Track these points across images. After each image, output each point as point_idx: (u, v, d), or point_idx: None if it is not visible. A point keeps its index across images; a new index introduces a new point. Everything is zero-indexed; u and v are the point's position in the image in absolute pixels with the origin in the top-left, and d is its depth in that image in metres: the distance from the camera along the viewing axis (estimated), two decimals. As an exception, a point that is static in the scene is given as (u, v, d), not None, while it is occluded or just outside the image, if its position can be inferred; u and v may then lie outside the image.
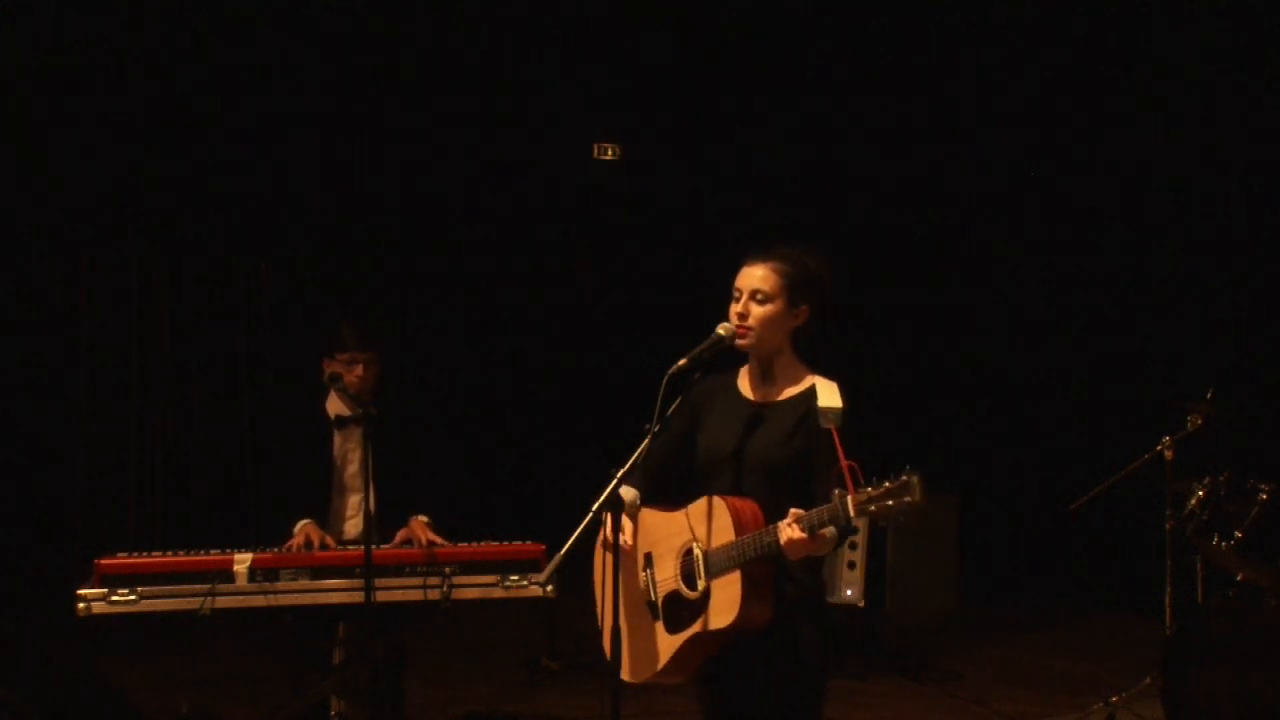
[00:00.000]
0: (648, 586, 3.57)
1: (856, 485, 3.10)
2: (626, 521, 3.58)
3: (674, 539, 3.52)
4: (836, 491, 3.11)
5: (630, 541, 3.57)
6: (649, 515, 3.64)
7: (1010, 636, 7.93)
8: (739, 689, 3.46)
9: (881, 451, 3.29)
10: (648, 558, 3.60)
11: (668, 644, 3.48)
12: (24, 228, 8.50)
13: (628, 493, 3.63)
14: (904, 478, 3.03)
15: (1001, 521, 8.92)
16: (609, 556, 3.54)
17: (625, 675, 3.60)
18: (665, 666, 3.49)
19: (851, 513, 3.08)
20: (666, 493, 3.64)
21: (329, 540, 4.86)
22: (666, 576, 3.52)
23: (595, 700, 3.78)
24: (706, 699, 3.58)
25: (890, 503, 3.03)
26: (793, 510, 3.23)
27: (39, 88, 8.41)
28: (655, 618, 3.54)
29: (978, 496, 8.69)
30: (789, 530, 3.20)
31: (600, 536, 3.57)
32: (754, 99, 9.56)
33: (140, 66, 8.59)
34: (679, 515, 3.53)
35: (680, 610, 3.47)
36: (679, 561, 3.49)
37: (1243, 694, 5.07)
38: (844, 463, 3.12)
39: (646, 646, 3.54)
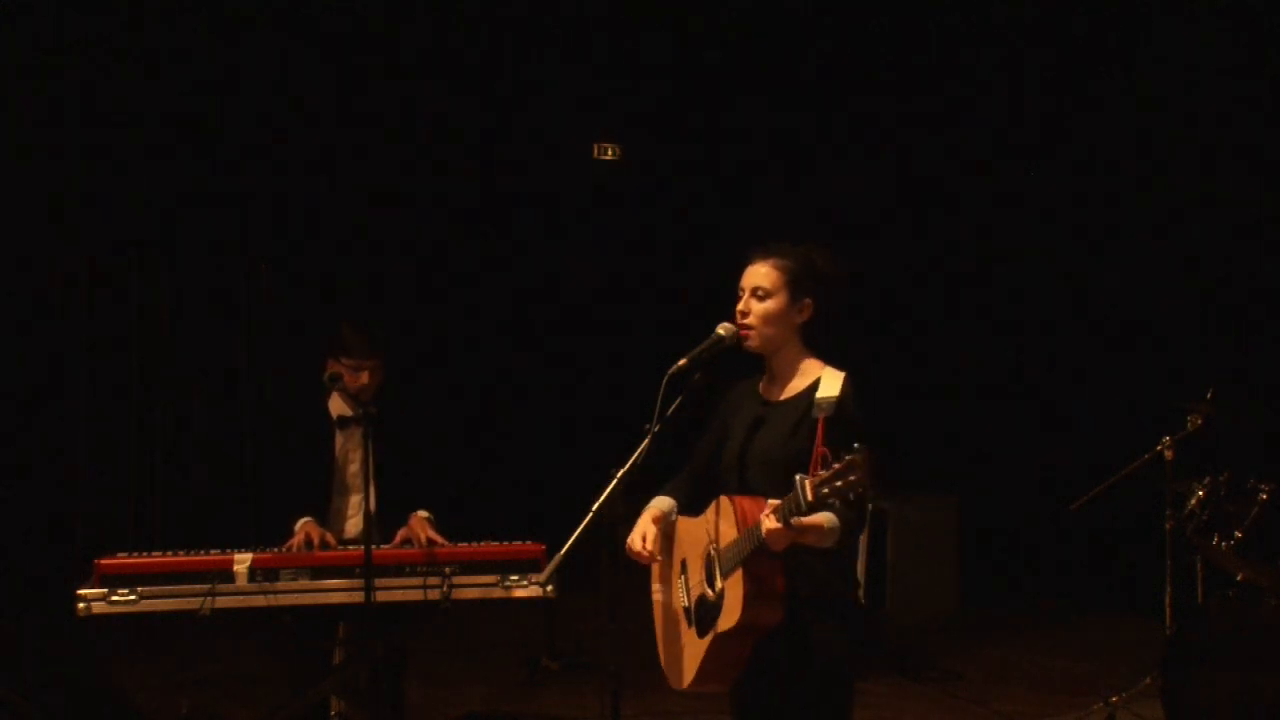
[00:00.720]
0: (683, 593, 3.59)
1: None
2: (650, 528, 3.59)
3: (700, 544, 3.53)
4: (798, 477, 3.10)
5: (650, 549, 3.57)
6: (684, 523, 3.66)
7: (1010, 636, 7.93)
8: (762, 690, 3.45)
9: (883, 451, 3.28)
10: (683, 564, 3.62)
11: (697, 648, 3.48)
12: (24, 228, 8.49)
13: (664, 503, 3.67)
14: (849, 458, 3.02)
15: (1001, 521, 8.91)
16: (654, 566, 3.64)
17: (671, 682, 3.63)
18: (699, 671, 3.47)
19: (809, 496, 3.06)
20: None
21: (329, 538, 4.86)
22: (696, 581, 3.53)
23: (595, 700, 3.78)
24: (734, 701, 3.58)
25: (839, 483, 3.02)
26: (770, 501, 3.23)
27: (39, 87, 8.40)
28: (689, 624, 3.55)
29: (978, 496, 8.68)
30: (767, 521, 3.19)
31: (628, 549, 3.60)
32: (755, 98, 9.57)
33: (140, 66, 8.59)
34: (701, 520, 3.55)
35: (706, 613, 3.47)
36: (704, 565, 3.50)
37: (1243, 694, 5.07)
38: (819, 450, 3.12)
39: (683, 653, 3.56)
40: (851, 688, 3.49)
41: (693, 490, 3.68)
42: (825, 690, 3.41)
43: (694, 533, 3.57)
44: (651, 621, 3.77)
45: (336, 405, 5.05)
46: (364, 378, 4.92)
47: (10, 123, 8.33)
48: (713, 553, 3.45)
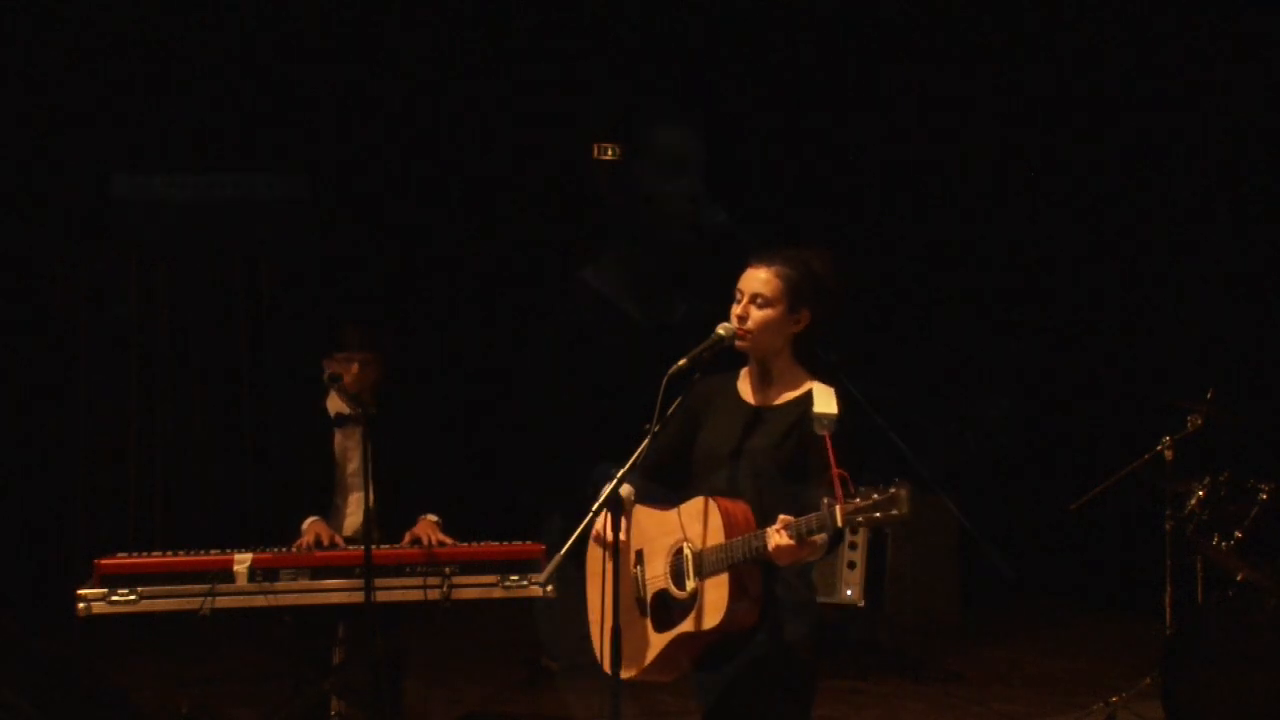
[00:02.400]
0: (638, 584, 3.58)
1: (846, 495, 3.11)
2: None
3: (665, 537, 3.52)
4: (825, 500, 3.11)
5: (624, 537, 3.55)
6: (642, 513, 3.63)
7: (1010, 636, 7.93)
8: (732, 688, 3.46)
9: (881, 452, 3.30)
10: (639, 555, 3.60)
11: (654, 642, 3.49)
12: (23, 228, 8.49)
13: (624, 489, 3.62)
14: (893, 491, 3.03)
15: (1001, 521, 8.90)
16: (604, 553, 3.55)
17: (608, 670, 3.60)
18: (651, 664, 3.50)
19: (839, 522, 3.10)
20: (661, 491, 3.65)
21: (338, 539, 4.87)
22: (656, 574, 3.53)
23: (595, 700, 3.78)
24: (702, 697, 3.57)
25: (878, 514, 3.05)
26: (782, 516, 3.23)
27: (38, 86, 8.40)
28: (643, 615, 3.55)
29: (978, 496, 8.68)
30: (777, 536, 3.21)
31: (593, 532, 3.57)
32: (755, 98, 9.56)
33: (139, 64, 8.58)
34: (671, 514, 3.53)
35: (667, 609, 3.47)
36: (669, 560, 3.50)
37: (1243, 694, 5.08)
38: (835, 471, 3.13)
39: (634, 643, 3.54)
40: (816, 685, 3.53)
41: (646, 479, 3.66)
42: (796, 686, 3.46)
43: (657, 525, 3.56)
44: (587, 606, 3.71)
45: (335, 404, 5.06)
46: (354, 369, 4.93)
47: (9, 121, 8.32)
48: (687, 551, 3.44)
